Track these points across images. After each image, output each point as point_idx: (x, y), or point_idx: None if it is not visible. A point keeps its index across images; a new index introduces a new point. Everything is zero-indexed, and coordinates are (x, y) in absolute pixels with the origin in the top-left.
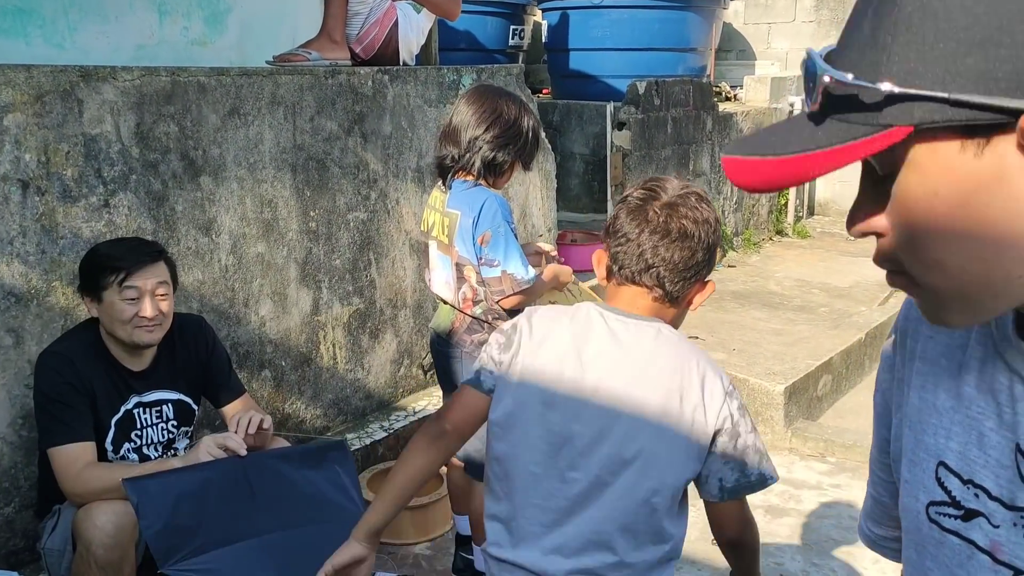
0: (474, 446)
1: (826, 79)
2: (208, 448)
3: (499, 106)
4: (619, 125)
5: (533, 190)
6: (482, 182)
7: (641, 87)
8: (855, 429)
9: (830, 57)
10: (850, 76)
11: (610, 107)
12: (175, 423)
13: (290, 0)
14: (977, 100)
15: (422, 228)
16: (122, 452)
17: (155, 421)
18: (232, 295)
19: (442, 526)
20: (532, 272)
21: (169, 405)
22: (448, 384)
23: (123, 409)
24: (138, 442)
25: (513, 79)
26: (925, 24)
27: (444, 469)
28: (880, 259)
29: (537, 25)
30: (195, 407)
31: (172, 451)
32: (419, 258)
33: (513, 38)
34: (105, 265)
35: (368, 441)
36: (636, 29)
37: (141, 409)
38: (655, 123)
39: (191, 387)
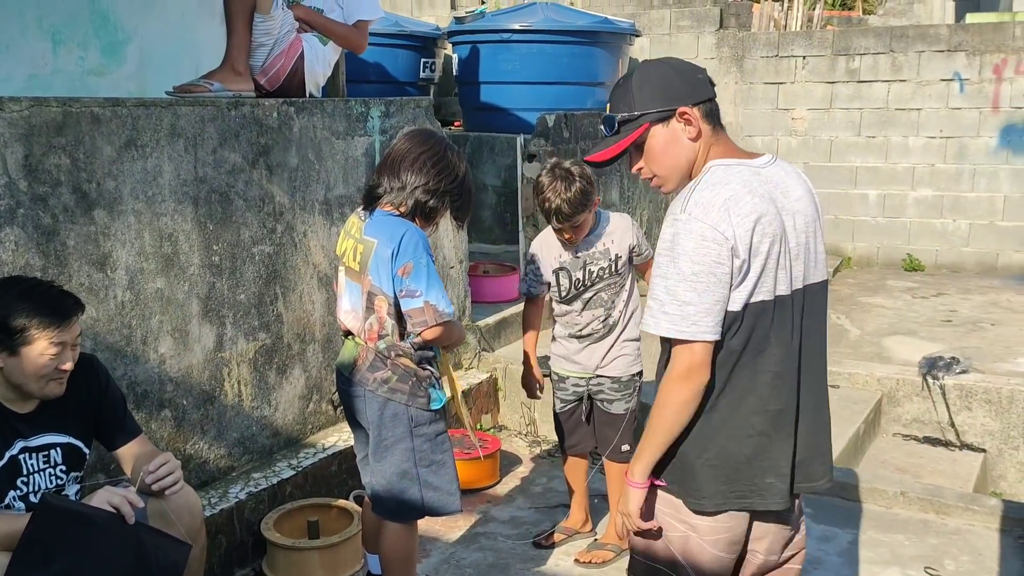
0: (380, 483)
1: (620, 117)
2: (104, 497)
3: (448, 157)
4: (529, 157)
5: (444, 221)
6: (407, 219)
7: (550, 120)
8: None
9: (609, 110)
10: (630, 113)
11: (520, 139)
12: (63, 468)
13: (192, 30)
14: (661, 110)
15: (337, 252)
16: (7, 501)
17: (43, 467)
18: (129, 332)
19: (352, 565)
20: (452, 307)
21: (58, 449)
22: (354, 422)
23: (8, 455)
24: (24, 489)
25: (422, 112)
26: (640, 90)
27: (359, 508)
28: (646, 178)
29: (448, 58)
30: (86, 451)
31: None
32: (328, 291)
33: (424, 71)
34: (34, 319)
35: (275, 480)
36: (545, 63)
37: (27, 455)
38: (564, 155)
39: (82, 429)
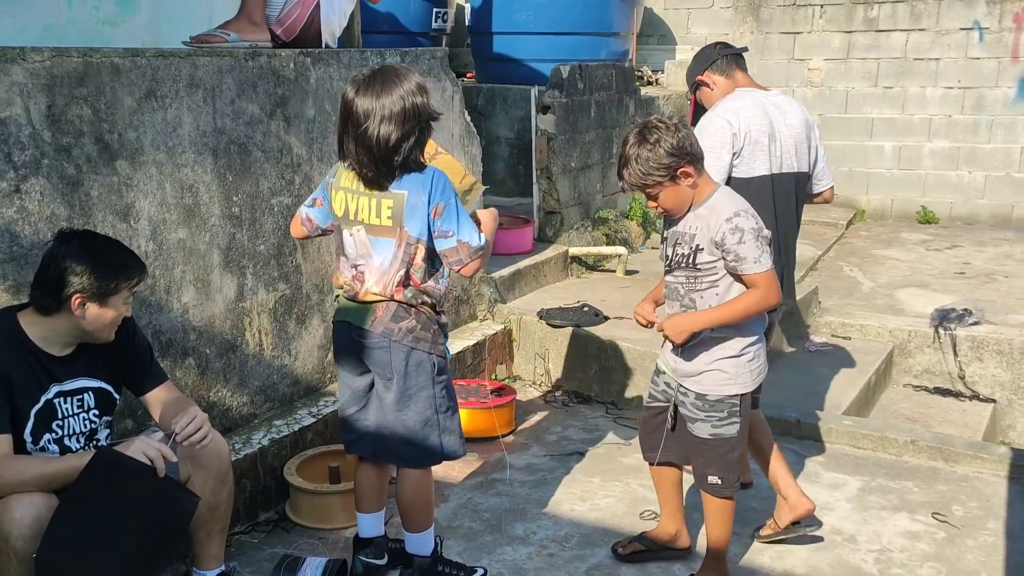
0: (401, 432)
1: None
2: (140, 448)
3: (403, 97)
4: (543, 109)
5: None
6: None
7: (565, 71)
8: (772, 403)
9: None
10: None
11: (534, 91)
12: (97, 412)
13: None
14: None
15: (336, 212)
16: (42, 443)
17: (76, 411)
18: (153, 282)
19: None
20: (483, 238)
21: (90, 393)
22: (353, 376)
23: (43, 399)
24: (59, 432)
25: (437, 62)
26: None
27: None
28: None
29: (460, 8)
30: (116, 396)
31: (94, 442)
32: None
33: (436, 21)
34: (122, 272)
35: (296, 427)
36: (559, 13)
37: (62, 399)
38: (579, 107)
39: (112, 375)
